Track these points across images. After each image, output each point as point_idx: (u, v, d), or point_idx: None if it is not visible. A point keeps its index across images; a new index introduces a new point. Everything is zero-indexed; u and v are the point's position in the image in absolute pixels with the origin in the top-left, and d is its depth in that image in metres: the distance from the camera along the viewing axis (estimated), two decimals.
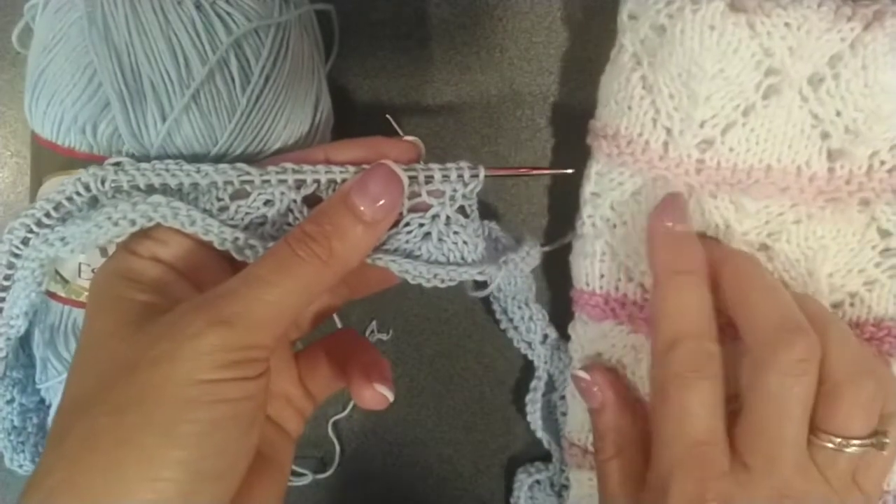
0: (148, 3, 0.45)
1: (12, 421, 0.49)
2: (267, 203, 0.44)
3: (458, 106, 0.60)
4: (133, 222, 0.42)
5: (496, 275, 0.47)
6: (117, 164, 0.43)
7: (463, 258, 0.46)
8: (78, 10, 0.46)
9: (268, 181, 0.43)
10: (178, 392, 0.37)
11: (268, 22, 0.47)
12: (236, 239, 0.43)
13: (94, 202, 0.44)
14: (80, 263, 0.49)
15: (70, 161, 0.47)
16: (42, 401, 0.52)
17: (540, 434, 0.60)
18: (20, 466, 0.51)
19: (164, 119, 0.45)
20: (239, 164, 0.43)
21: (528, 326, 0.58)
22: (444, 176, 0.44)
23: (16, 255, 0.44)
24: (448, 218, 0.45)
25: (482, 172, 0.45)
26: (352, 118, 0.58)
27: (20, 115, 0.61)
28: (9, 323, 0.45)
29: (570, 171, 0.50)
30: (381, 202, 0.42)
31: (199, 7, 0.45)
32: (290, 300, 0.40)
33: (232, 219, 0.44)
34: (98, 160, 0.46)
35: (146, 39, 0.45)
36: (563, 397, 0.59)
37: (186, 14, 0.45)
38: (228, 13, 0.46)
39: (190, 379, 0.37)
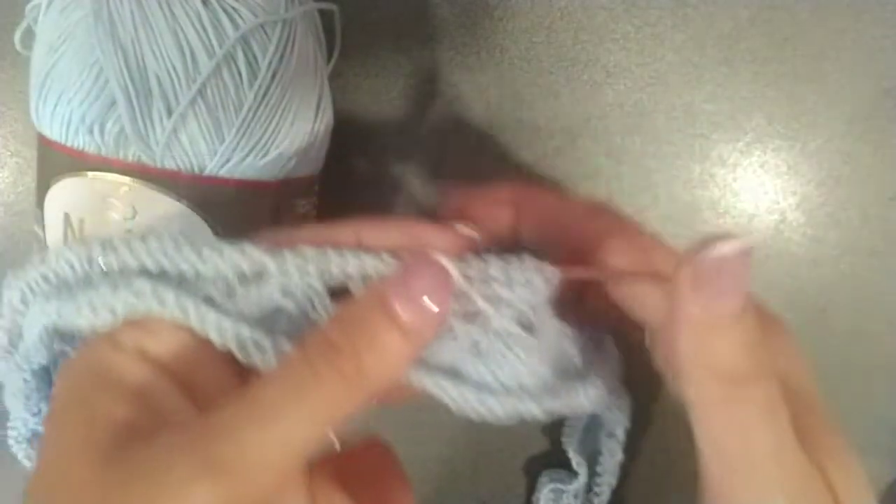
0: None
1: (35, 430, 0.48)
2: (284, 293, 0.35)
3: (457, 106, 0.60)
4: (114, 311, 0.34)
5: (561, 411, 0.37)
6: (104, 241, 0.35)
7: (521, 385, 0.36)
8: (84, 9, 0.45)
9: (286, 271, 0.34)
10: None
11: (275, 17, 0.47)
12: (240, 335, 0.34)
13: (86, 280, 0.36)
14: None
15: (79, 162, 0.47)
16: None
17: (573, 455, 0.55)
18: None
19: (169, 115, 0.45)
20: (250, 249, 0.34)
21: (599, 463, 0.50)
22: (507, 278, 0.35)
23: (18, 319, 0.38)
24: (507, 332, 0.35)
25: (555, 276, 0.35)
26: (351, 119, 0.58)
27: (20, 115, 0.62)
28: (28, 358, 0.40)
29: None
30: (427, 306, 0.32)
31: (205, 2, 0.45)
32: (305, 434, 0.31)
33: (238, 309, 0.35)
34: (106, 161, 0.46)
35: (152, 35, 0.45)
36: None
37: (192, 9, 0.45)
38: (235, 8, 0.46)
39: None
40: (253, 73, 0.46)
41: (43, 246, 0.50)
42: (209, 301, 0.34)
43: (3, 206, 0.63)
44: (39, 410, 0.47)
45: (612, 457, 0.50)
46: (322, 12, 0.54)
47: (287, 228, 0.37)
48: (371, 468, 0.41)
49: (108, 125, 0.45)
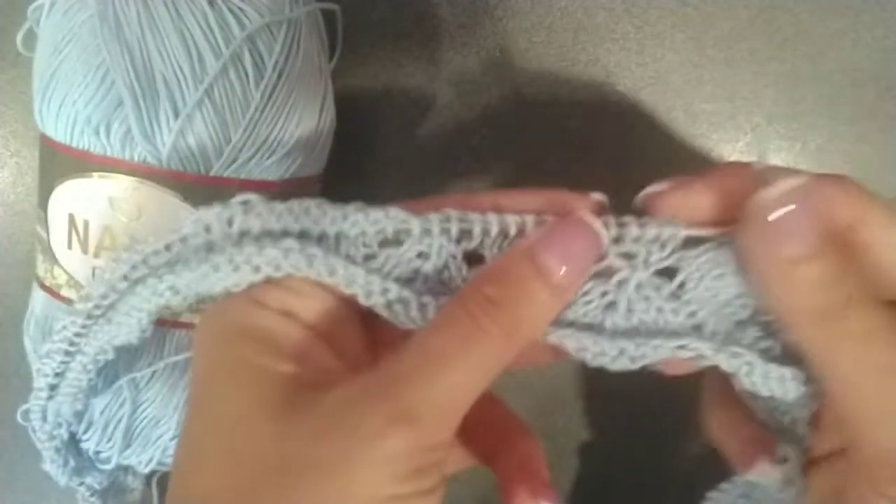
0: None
1: (74, 433, 0.48)
2: (421, 255, 0.36)
3: (458, 106, 0.60)
4: (257, 269, 0.34)
5: (709, 351, 0.35)
6: (245, 202, 0.35)
7: (660, 329, 0.36)
8: (88, 10, 0.45)
9: (428, 231, 0.35)
10: None
11: (280, 18, 0.47)
12: (386, 291, 0.35)
13: (209, 247, 0.36)
14: None
15: (84, 163, 0.47)
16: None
17: None
18: (79, 474, 0.49)
19: (176, 116, 0.45)
20: (394, 211, 0.35)
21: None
22: (638, 236, 0.35)
23: (113, 295, 0.38)
24: (640, 284, 0.36)
25: (683, 231, 0.35)
26: (352, 118, 0.58)
27: (20, 116, 0.61)
28: (95, 358, 0.40)
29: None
30: (575, 262, 0.34)
31: (211, 3, 0.45)
32: (474, 382, 0.32)
33: (379, 270, 0.36)
34: (112, 162, 0.46)
35: (158, 35, 0.45)
36: None
37: (199, 9, 0.45)
38: (241, 8, 0.46)
39: (373, 496, 0.30)
40: (259, 73, 0.46)
41: (46, 247, 0.50)
42: (352, 261, 0.35)
43: (4, 206, 0.63)
44: (83, 410, 0.47)
45: None
46: (324, 12, 0.54)
47: (427, 197, 0.38)
48: (492, 419, 0.42)
49: (115, 126, 0.45)
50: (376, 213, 0.35)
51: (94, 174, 0.46)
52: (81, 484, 0.49)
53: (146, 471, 0.52)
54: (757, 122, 0.58)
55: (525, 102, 0.60)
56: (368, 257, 0.36)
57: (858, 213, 0.34)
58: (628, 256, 0.36)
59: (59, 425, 0.45)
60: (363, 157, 0.60)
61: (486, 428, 0.40)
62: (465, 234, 0.36)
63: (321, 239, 0.36)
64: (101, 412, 0.48)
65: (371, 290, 0.35)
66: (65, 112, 0.46)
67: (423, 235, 0.35)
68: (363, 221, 0.35)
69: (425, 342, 0.32)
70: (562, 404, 0.64)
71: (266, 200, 0.35)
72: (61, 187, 0.48)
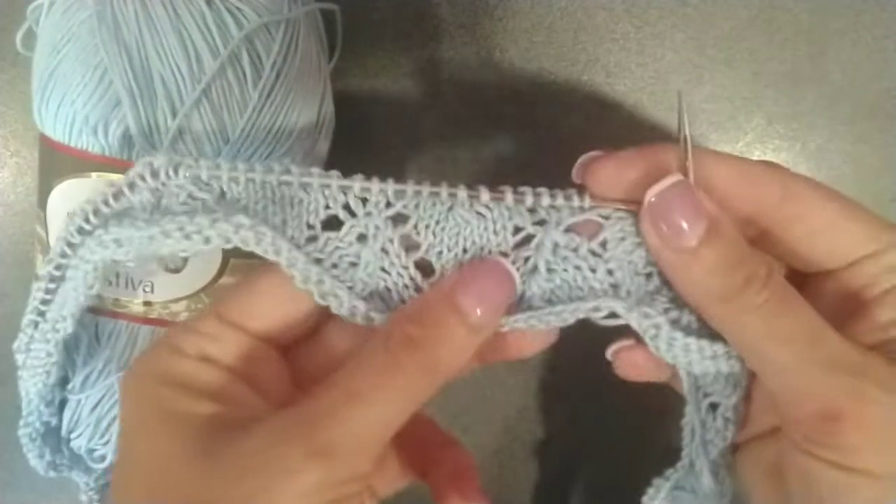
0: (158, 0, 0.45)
1: (48, 423, 0.47)
2: (360, 238, 0.38)
3: (458, 106, 0.60)
4: (208, 240, 0.37)
5: (622, 309, 0.38)
6: (194, 160, 0.38)
7: (579, 288, 0.39)
8: (87, 9, 0.45)
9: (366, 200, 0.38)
10: None
11: (278, 17, 0.47)
12: (321, 282, 0.37)
13: (154, 206, 0.38)
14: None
15: (83, 163, 0.47)
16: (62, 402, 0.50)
17: None
18: (55, 468, 0.49)
19: (174, 115, 0.45)
20: (334, 175, 0.38)
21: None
22: (550, 204, 0.38)
23: (68, 251, 0.39)
24: (556, 243, 0.39)
25: (588, 202, 0.38)
26: (352, 119, 0.58)
27: (20, 116, 0.61)
28: (54, 327, 0.42)
29: None
30: (490, 303, 0.36)
31: (209, 2, 0.45)
32: (392, 418, 0.34)
33: (321, 251, 0.38)
34: (110, 162, 0.46)
35: (157, 35, 0.45)
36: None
37: (197, 9, 0.45)
38: (239, 8, 0.46)
39: None
40: (257, 73, 0.46)
41: (45, 247, 0.50)
42: (295, 244, 0.38)
43: (4, 206, 0.63)
44: (53, 399, 0.47)
45: None
46: (323, 12, 0.54)
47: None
48: (424, 435, 0.44)
49: (113, 126, 0.45)
50: (333, 173, 0.38)
51: (93, 174, 0.46)
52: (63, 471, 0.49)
53: None
54: (757, 122, 0.58)
55: (525, 102, 0.60)
56: (311, 239, 0.38)
57: (770, 200, 0.37)
58: (542, 223, 0.39)
59: (31, 413, 0.45)
60: (362, 157, 0.60)
61: (417, 445, 0.43)
62: (400, 217, 0.38)
63: (266, 211, 0.38)
64: (93, 409, 0.48)
65: (308, 277, 0.37)
66: (63, 112, 0.46)
67: (357, 214, 0.38)
68: (316, 178, 0.37)
69: (345, 379, 0.34)
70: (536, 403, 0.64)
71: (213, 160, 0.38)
72: (60, 187, 0.48)
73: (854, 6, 0.57)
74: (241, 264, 0.47)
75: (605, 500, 0.64)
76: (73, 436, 0.49)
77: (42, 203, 0.49)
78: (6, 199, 0.63)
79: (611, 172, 0.38)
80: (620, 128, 0.59)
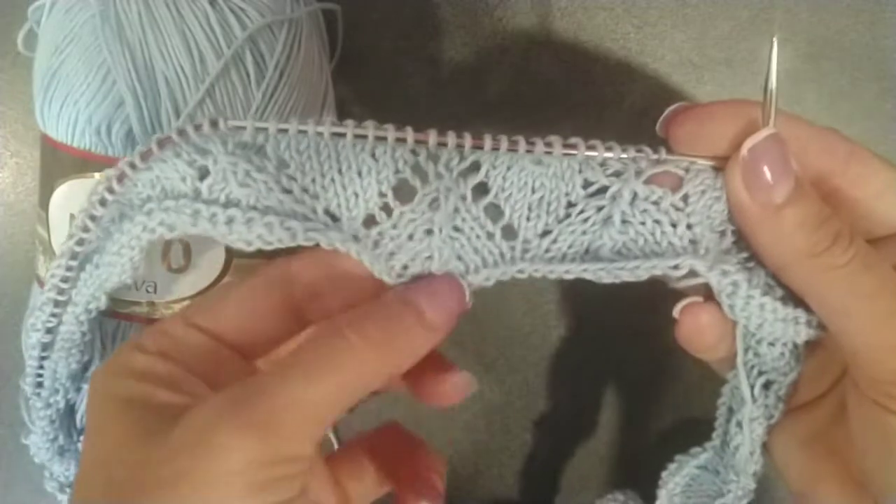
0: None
1: (70, 400, 0.46)
2: (433, 203, 0.37)
3: (458, 106, 0.60)
4: (249, 243, 0.37)
5: (703, 267, 0.37)
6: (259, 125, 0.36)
7: (657, 243, 0.38)
8: (90, 9, 0.46)
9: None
10: None
11: (282, 17, 0.47)
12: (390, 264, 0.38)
13: (197, 183, 0.37)
14: None
15: (85, 163, 0.47)
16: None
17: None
18: (62, 453, 0.48)
19: (178, 115, 0.45)
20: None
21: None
22: (622, 157, 0.37)
23: (90, 224, 0.38)
24: (634, 194, 0.38)
25: (662, 154, 0.38)
26: (352, 118, 0.58)
27: (20, 116, 0.61)
28: (87, 308, 0.40)
29: None
30: (442, 305, 0.37)
31: (212, 2, 0.45)
32: (334, 398, 0.33)
33: (396, 225, 0.38)
34: (114, 162, 0.45)
35: (160, 35, 0.45)
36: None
37: (200, 9, 0.45)
38: (242, 8, 0.46)
39: None
40: (261, 73, 0.46)
41: (47, 247, 0.50)
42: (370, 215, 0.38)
43: (4, 206, 0.63)
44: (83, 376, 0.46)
45: None
46: (324, 12, 0.54)
47: None
48: (395, 442, 0.44)
49: (116, 126, 0.45)
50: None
51: (96, 174, 0.46)
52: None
53: None
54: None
55: (525, 102, 0.60)
56: (385, 209, 0.37)
57: (838, 161, 0.38)
58: (617, 174, 0.38)
59: (56, 391, 0.44)
60: None
61: (390, 452, 0.43)
62: (471, 167, 0.37)
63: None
64: None
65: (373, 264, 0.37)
66: (66, 112, 0.46)
67: (433, 177, 0.37)
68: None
69: (289, 358, 0.34)
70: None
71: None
72: (62, 187, 0.48)
73: (854, 6, 0.57)
74: (244, 264, 0.48)
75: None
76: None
77: (44, 203, 0.49)
78: (6, 199, 0.63)
79: (697, 124, 0.38)
80: (621, 128, 0.59)
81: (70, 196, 0.48)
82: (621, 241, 0.38)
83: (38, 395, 0.44)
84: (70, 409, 0.47)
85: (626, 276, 0.38)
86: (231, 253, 0.47)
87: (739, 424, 0.42)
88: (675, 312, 0.40)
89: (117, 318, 0.48)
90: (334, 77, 0.56)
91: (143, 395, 0.34)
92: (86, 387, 0.47)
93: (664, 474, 0.46)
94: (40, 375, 0.44)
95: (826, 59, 0.57)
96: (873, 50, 0.57)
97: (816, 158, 0.37)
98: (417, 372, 0.40)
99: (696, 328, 0.40)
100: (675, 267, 0.37)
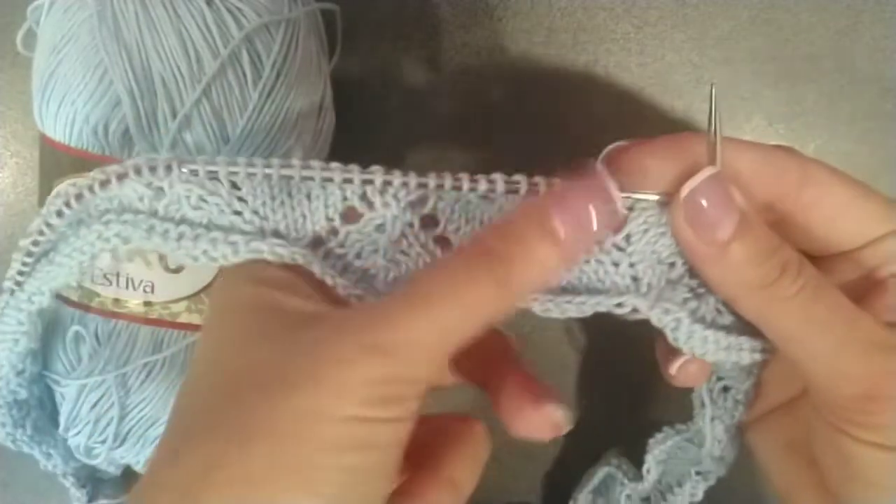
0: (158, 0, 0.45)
1: (16, 393, 0.47)
2: (378, 228, 0.39)
3: (458, 106, 0.60)
4: (208, 255, 0.38)
5: (644, 307, 0.38)
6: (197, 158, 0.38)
7: (600, 281, 0.39)
8: (87, 9, 0.46)
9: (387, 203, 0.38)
10: (320, 429, 0.31)
11: (278, 17, 0.47)
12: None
13: (154, 203, 0.39)
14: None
15: (82, 163, 0.47)
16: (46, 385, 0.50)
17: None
18: (14, 441, 0.48)
19: (174, 115, 0.45)
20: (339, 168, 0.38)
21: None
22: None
23: (45, 230, 0.40)
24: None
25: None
26: (352, 118, 0.58)
27: (20, 116, 0.61)
28: (30, 298, 0.42)
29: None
30: (586, 231, 0.34)
31: (209, 2, 0.45)
32: (456, 328, 0.33)
33: (342, 245, 0.39)
34: (111, 162, 0.45)
35: (157, 35, 0.45)
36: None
37: (197, 9, 0.45)
38: (239, 8, 0.46)
39: (334, 414, 0.31)
40: (257, 73, 0.46)
41: None
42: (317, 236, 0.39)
43: (4, 206, 0.63)
44: (24, 370, 0.46)
45: (690, 494, 0.50)
46: (323, 12, 0.54)
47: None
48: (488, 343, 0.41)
49: (113, 126, 0.45)
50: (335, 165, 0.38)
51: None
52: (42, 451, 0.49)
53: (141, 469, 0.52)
54: (757, 122, 0.58)
55: (525, 103, 0.59)
56: (332, 232, 0.38)
57: (790, 184, 0.37)
58: None
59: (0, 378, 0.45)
60: (362, 157, 0.60)
61: (479, 353, 0.40)
62: (418, 201, 0.38)
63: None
64: (92, 408, 0.48)
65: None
66: (64, 112, 0.46)
67: (380, 206, 0.38)
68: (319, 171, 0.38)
69: (414, 283, 0.34)
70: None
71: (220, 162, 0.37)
72: (61, 187, 0.47)
73: (854, 6, 0.57)
74: None
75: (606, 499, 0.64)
76: (70, 433, 0.50)
77: (42, 203, 0.49)
78: (6, 199, 0.63)
79: (637, 162, 0.37)
80: (621, 128, 0.59)
81: None
82: (565, 279, 0.39)
83: None
84: (20, 402, 0.48)
85: (573, 312, 0.38)
86: None
87: (710, 420, 0.45)
88: (672, 371, 0.41)
89: (115, 318, 0.48)
90: (334, 77, 0.56)
91: (272, 300, 0.35)
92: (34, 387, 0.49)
93: (651, 441, 0.51)
94: None
95: (826, 59, 0.57)
96: (873, 50, 0.57)
97: (767, 185, 0.37)
98: (511, 399, 0.40)
99: (688, 377, 0.42)
100: (619, 305, 0.38)
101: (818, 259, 0.39)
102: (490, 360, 0.42)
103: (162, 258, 0.47)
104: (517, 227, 0.34)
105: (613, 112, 0.59)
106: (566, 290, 0.39)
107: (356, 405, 0.31)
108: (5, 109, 0.62)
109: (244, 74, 0.46)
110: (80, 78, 0.46)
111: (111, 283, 0.48)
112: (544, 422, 0.39)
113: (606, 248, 0.38)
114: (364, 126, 0.59)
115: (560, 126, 0.59)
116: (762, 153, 0.37)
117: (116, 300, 0.48)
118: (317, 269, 0.38)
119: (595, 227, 0.34)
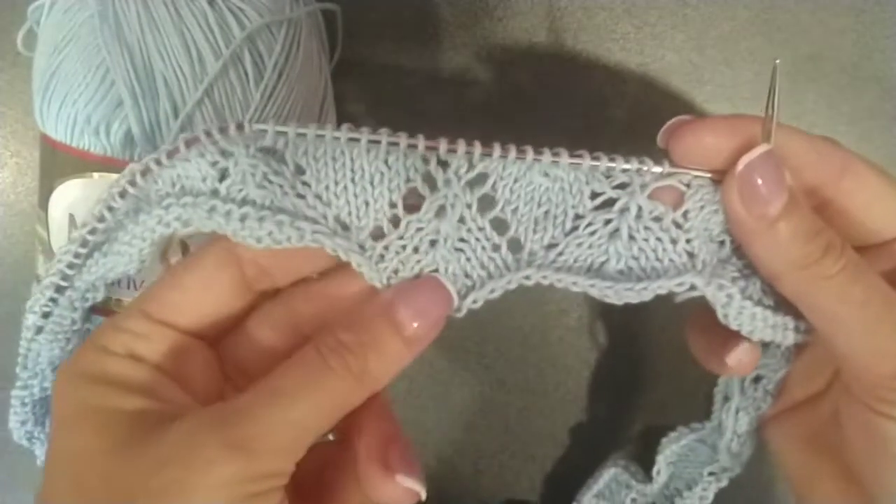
0: None
1: (46, 390, 0.46)
2: (439, 212, 0.38)
3: (458, 106, 0.60)
4: (259, 240, 0.37)
5: (701, 283, 0.39)
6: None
7: (658, 260, 0.39)
8: (89, 9, 0.45)
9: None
10: None
11: (280, 17, 0.47)
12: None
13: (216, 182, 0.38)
14: None
15: (84, 163, 0.47)
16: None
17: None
18: (30, 440, 0.47)
19: (176, 115, 0.45)
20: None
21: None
22: (626, 168, 0.39)
23: (106, 214, 0.39)
24: (640, 208, 0.39)
25: (667, 167, 0.39)
26: (352, 118, 0.58)
27: (20, 116, 0.61)
28: (84, 295, 0.41)
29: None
30: (427, 318, 0.37)
31: (211, 3, 0.45)
32: (316, 420, 0.35)
33: (402, 236, 0.38)
34: (112, 162, 0.46)
35: (159, 35, 0.45)
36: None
37: (199, 9, 0.45)
38: (241, 8, 0.46)
39: None
40: (259, 73, 0.46)
41: (46, 247, 0.50)
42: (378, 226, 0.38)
43: (4, 206, 0.63)
44: (42, 373, 0.46)
45: (700, 497, 0.51)
46: (323, 12, 0.54)
47: None
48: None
49: (115, 126, 0.45)
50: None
51: (95, 174, 0.46)
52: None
53: None
54: None
55: (525, 102, 0.60)
56: (393, 221, 0.38)
57: (832, 172, 0.39)
58: (622, 186, 0.39)
59: (35, 375, 0.44)
60: None
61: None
62: (479, 178, 0.38)
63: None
64: None
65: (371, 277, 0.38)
66: (65, 112, 0.46)
67: (441, 184, 0.38)
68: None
69: (271, 378, 0.35)
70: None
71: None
72: (62, 187, 0.48)
73: (854, 6, 0.57)
74: None
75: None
76: None
77: (43, 203, 0.49)
78: (6, 199, 0.63)
79: (697, 138, 0.38)
80: (621, 128, 0.59)
81: (69, 196, 0.48)
82: (625, 258, 0.39)
83: (20, 375, 0.45)
84: (44, 400, 0.47)
85: (632, 298, 0.39)
86: None
87: (729, 412, 0.46)
88: (730, 362, 0.42)
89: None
90: (334, 77, 0.56)
91: (115, 403, 0.35)
92: None
93: (664, 440, 0.52)
94: (27, 357, 0.44)
95: (826, 59, 0.57)
96: (873, 50, 0.57)
97: (812, 171, 0.39)
98: (364, 461, 0.38)
99: (740, 367, 0.43)
100: (679, 284, 0.39)
101: (856, 250, 0.40)
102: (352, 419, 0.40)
103: (163, 258, 0.47)
104: (366, 321, 0.37)
105: (613, 112, 0.59)
106: (623, 274, 0.40)
107: None
108: (5, 109, 0.62)
109: (246, 74, 0.46)
110: (81, 78, 0.46)
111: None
112: (394, 492, 0.38)
113: (665, 225, 0.39)
114: (364, 126, 0.59)
115: (560, 126, 0.59)
116: (809, 140, 0.39)
117: (117, 301, 0.48)
118: (366, 271, 0.38)
119: (436, 317, 0.38)
